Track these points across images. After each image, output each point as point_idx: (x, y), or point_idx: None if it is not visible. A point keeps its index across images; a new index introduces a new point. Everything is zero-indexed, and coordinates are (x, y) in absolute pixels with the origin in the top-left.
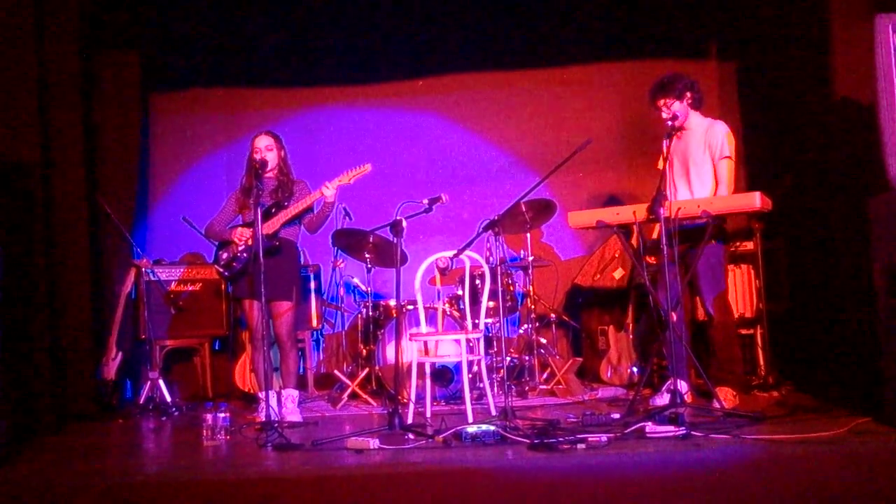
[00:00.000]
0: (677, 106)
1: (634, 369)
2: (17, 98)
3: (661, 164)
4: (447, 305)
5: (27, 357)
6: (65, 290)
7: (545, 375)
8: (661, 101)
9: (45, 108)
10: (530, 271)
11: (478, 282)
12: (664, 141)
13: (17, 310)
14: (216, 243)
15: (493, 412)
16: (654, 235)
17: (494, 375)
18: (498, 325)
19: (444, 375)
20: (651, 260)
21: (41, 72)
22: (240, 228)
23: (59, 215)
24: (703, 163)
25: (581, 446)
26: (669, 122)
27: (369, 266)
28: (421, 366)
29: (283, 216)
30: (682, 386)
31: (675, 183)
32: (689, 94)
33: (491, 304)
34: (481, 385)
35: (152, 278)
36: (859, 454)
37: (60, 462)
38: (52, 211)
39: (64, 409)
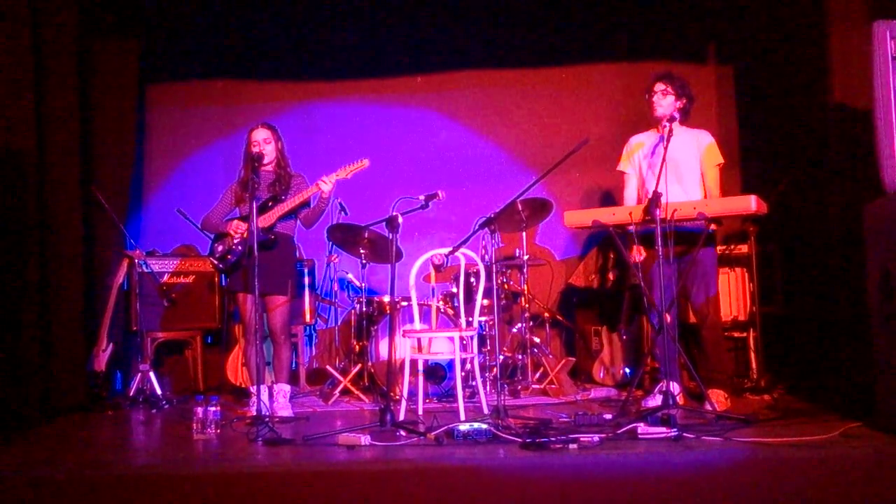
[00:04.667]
0: (670, 100)
1: (627, 370)
2: (13, 85)
3: (623, 167)
4: (441, 303)
5: (17, 347)
6: (56, 279)
7: (538, 375)
8: (662, 87)
9: (41, 95)
10: (525, 270)
11: (472, 279)
12: (647, 142)
13: (8, 299)
14: (212, 235)
15: (486, 410)
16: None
17: (487, 374)
18: (492, 323)
19: (437, 373)
20: (637, 256)
21: (37, 59)
22: (235, 221)
23: (53, 204)
24: (694, 168)
25: (573, 446)
26: (667, 123)
27: (364, 262)
28: (414, 362)
29: (280, 210)
30: (675, 388)
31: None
32: (685, 100)
33: (485, 302)
34: (474, 383)
35: (145, 270)
36: (850, 458)
37: (49, 454)
38: (45, 200)
39: (53, 400)
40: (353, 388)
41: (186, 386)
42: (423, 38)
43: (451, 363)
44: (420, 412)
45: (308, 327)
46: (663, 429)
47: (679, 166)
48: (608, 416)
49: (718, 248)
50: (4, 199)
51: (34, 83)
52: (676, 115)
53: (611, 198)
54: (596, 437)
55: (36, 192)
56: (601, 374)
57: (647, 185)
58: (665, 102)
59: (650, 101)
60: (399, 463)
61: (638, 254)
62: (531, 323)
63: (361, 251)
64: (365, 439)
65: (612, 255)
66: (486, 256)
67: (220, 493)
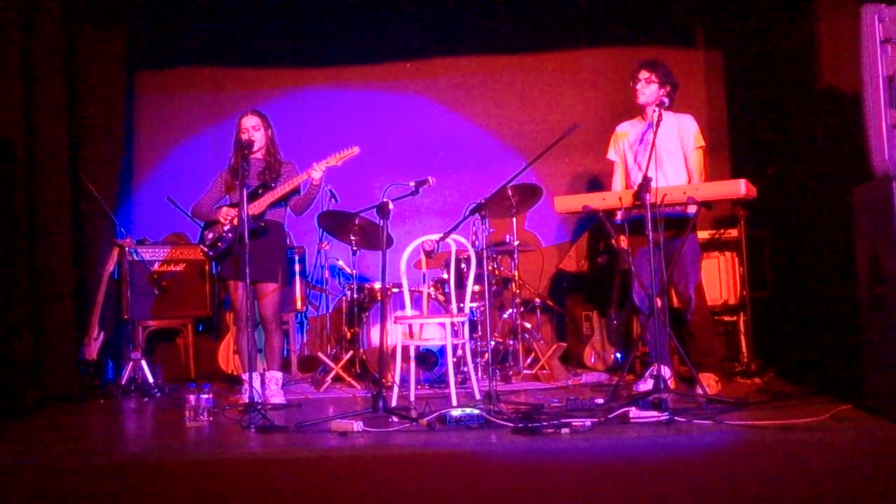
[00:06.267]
0: (653, 88)
1: (618, 355)
2: (0, 74)
3: (610, 154)
4: (432, 289)
5: (8, 337)
6: (47, 269)
7: (529, 360)
8: (647, 76)
9: (29, 84)
10: (515, 256)
11: (463, 265)
12: (632, 130)
13: None
14: (202, 223)
15: (478, 396)
16: (619, 217)
17: (479, 360)
18: (483, 309)
19: (429, 359)
20: (623, 243)
21: (25, 47)
22: (225, 208)
23: (42, 194)
24: (676, 153)
25: (565, 430)
26: (656, 107)
27: (354, 248)
28: (405, 349)
29: (270, 197)
30: (666, 371)
31: (644, 171)
32: (669, 88)
33: (476, 287)
34: (465, 369)
35: (136, 258)
36: (840, 440)
37: (40, 442)
38: (34, 189)
39: (45, 389)
40: (344, 375)
41: (178, 374)
42: (413, 24)
43: (442, 349)
44: (412, 398)
45: (299, 314)
46: (654, 413)
47: (660, 151)
48: (599, 401)
49: (708, 232)
50: None
51: (21, 71)
52: (666, 101)
53: (600, 183)
54: (588, 422)
55: (25, 181)
56: (592, 359)
57: (632, 172)
58: (648, 91)
59: (633, 89)
60: (391, 449)
61: (623, 242)
62: (522, 308)
63: (352, 238)
64: (357, 426)
65: (602, 241)
66: (477, 242)
67: (213, 480)
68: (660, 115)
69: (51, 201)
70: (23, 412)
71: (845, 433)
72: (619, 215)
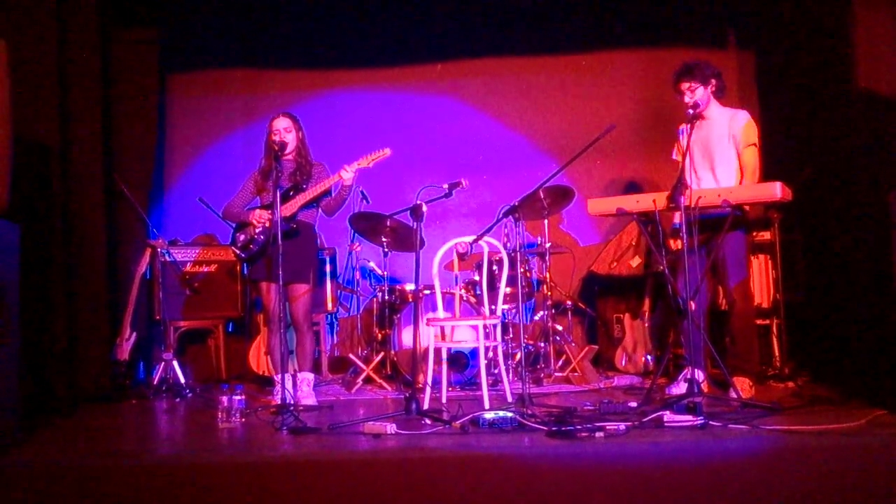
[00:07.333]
0: (701, 92)
1: (649, 357)
2: (36, 77)
3: (675, 155)
4: (464, 291)
5: (42, 336)
6: (81, 269)
7: (560, 363)
8: (686, 85)
9: (64, 86)
10: (547, 258)
11: (495, 268)
12: (681, 129)
13: (34, 288)
14: (233, 225)
15: (509, 398)
16: (677, 220)
17: (509, 362)
18: (514, 311)
19: (460, 361)
20: (674, 245)
21: (60, 50)
22: (257, 210)
23: (76, 194)
24: (727, 151)
25: (599, 434)
26: (690, 110)
27: (386, 250)
28: (437, 351)
29: (301, 199)
30: (699, 375)
31: (698, 172)
32: (713, 82)
33: (508, 290)
34: (497, 371)
35: (167, 259)
36: (876, 446)
37: (73, 443)
38: (69, 190)
39: (77, 389)
40: (375, 377)
41: (209, 375)
42: (444, 26)
43: (473, 351)
44: (444, 400)
45: (330, 315)
46: (689, 417)
47: (711, 150)
48: (633, 404)
49: None
50: (29, 192)
51: (57, 75)
52: (700, 103)
53: (635, 185)
54: (622, 426)
55: (60, 183)
56: (623, 362)
57: (687, 172)
58: (696, 95)
59: (681, 102)
60: (425, 451)
61: (674, 243)
62: (553, 311)
63: (384, 240)
64: (390, 428)
65: (633, 243)
66: (509, 244)
67: (246, 482)
68: (694, 117)
69: (85, 203)
70: (56, 412)
71: (882, 438)
72: (676, 218)
